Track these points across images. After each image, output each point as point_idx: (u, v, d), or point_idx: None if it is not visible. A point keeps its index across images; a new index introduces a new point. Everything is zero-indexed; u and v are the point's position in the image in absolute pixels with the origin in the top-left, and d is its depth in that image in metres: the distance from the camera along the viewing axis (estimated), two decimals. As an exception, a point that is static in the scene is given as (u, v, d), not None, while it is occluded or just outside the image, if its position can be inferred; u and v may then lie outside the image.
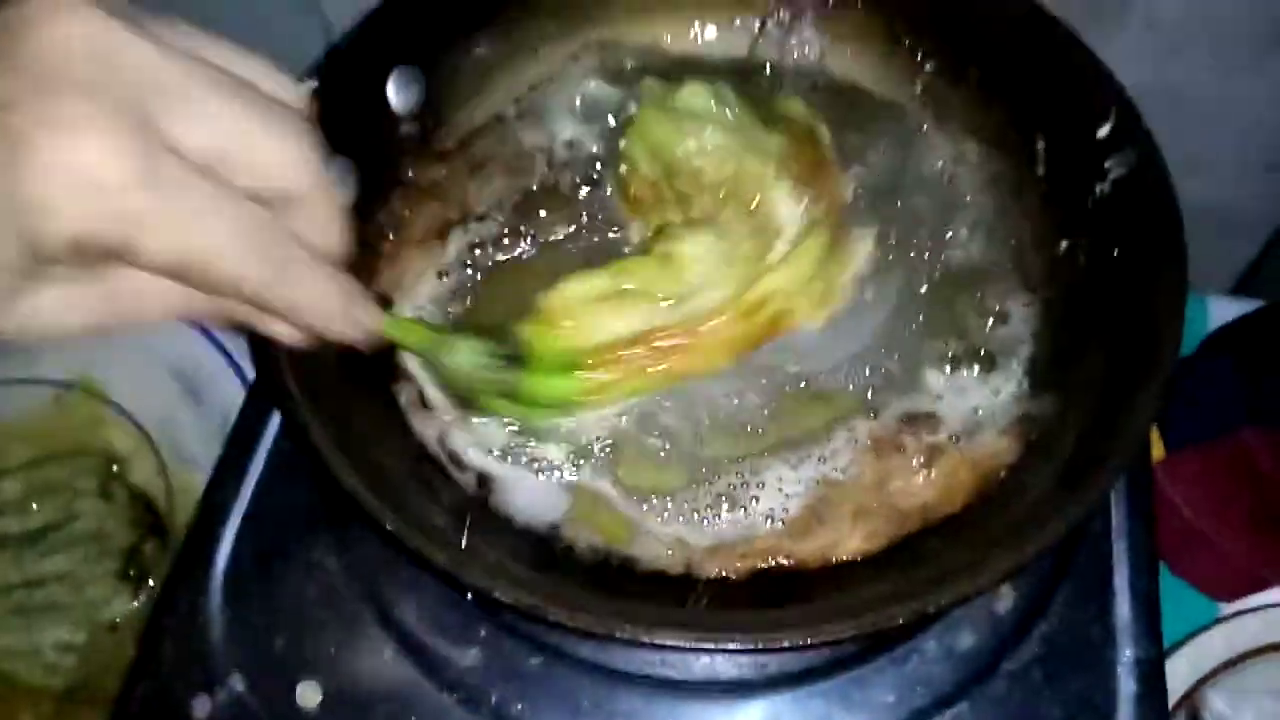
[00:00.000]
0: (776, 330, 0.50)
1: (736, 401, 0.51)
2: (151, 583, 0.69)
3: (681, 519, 0.48)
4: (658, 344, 0.47)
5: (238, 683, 0.50)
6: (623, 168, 0.54)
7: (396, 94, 0.54)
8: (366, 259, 0.53)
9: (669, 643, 0.37)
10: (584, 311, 0.47)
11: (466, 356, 0.45)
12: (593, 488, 0.49)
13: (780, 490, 0.48)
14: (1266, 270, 1.02)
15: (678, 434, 0.50)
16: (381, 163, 0.55)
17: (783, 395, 0.51)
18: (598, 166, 0.57)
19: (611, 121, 0.57)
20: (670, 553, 0.46)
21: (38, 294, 0.30)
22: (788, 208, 0.50)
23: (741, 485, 0.48)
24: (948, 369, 0.51)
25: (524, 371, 0.46)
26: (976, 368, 0.51)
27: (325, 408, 0.44)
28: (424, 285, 0.54)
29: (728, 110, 0.52)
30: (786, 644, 0.38)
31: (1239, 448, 0.68)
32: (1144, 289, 0.47)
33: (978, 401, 0.51)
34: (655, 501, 0.48)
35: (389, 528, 0.40)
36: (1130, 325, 0.47)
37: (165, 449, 0.73)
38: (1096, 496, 0.41)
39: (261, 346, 0.44)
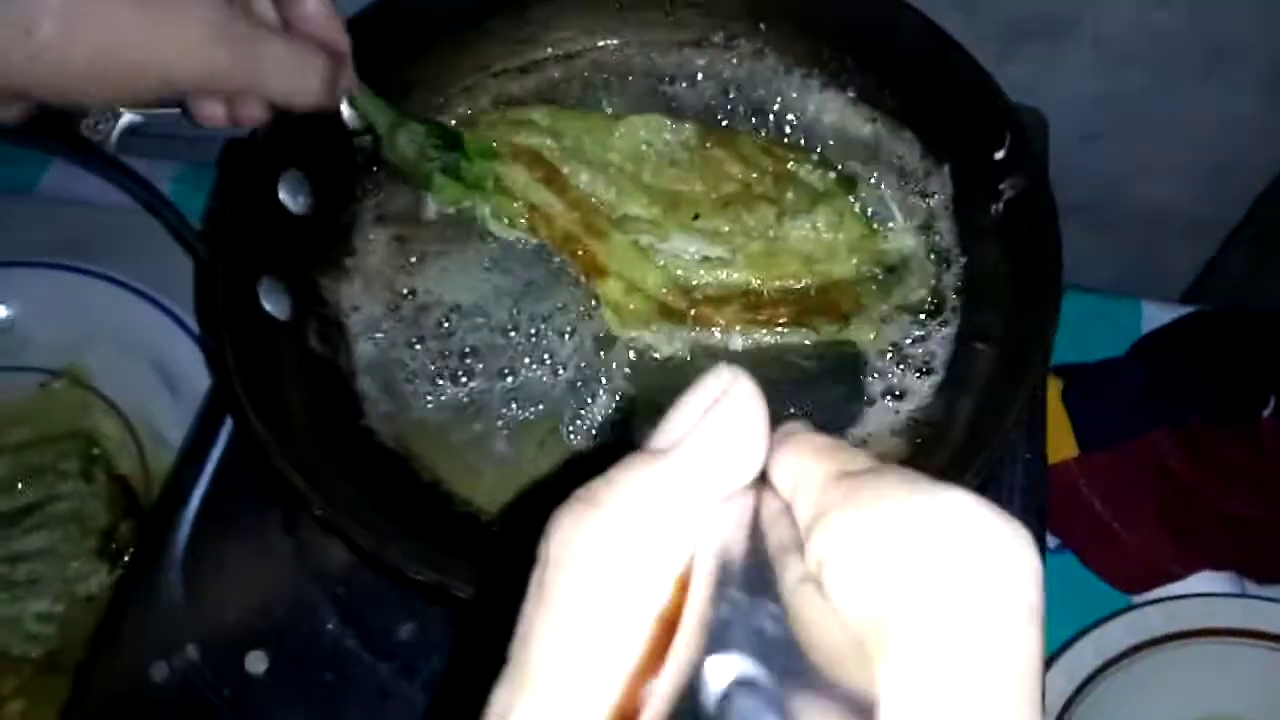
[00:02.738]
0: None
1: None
2: (127, 560, 0.74)
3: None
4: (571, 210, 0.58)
5: (192, 651, 0.55)
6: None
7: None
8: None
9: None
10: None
11: (415, 136, 0.57)
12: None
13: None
14: (1214, 278, 1.06)
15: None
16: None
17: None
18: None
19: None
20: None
21: None
22: None
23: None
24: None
25: (459, 155, 0.59)
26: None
27: (266, 399, 0.48)
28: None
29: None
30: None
31: (1150, 447, 0.72)
32: (1024, 303, 0.51)
33: (884, 413, 0.55)
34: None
35: (319, 513, 0.44)
36: (1009, 337, 0.51)
37: (144, 434, 0.78)
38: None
39: (218, 352, 0.49)
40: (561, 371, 0.56)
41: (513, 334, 0.57)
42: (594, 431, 0.54)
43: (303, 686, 0.54)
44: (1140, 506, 0.71)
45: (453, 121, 0.62)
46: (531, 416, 0.55)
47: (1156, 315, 0.83)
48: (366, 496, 0.49)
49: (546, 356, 0.56)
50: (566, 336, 0.57)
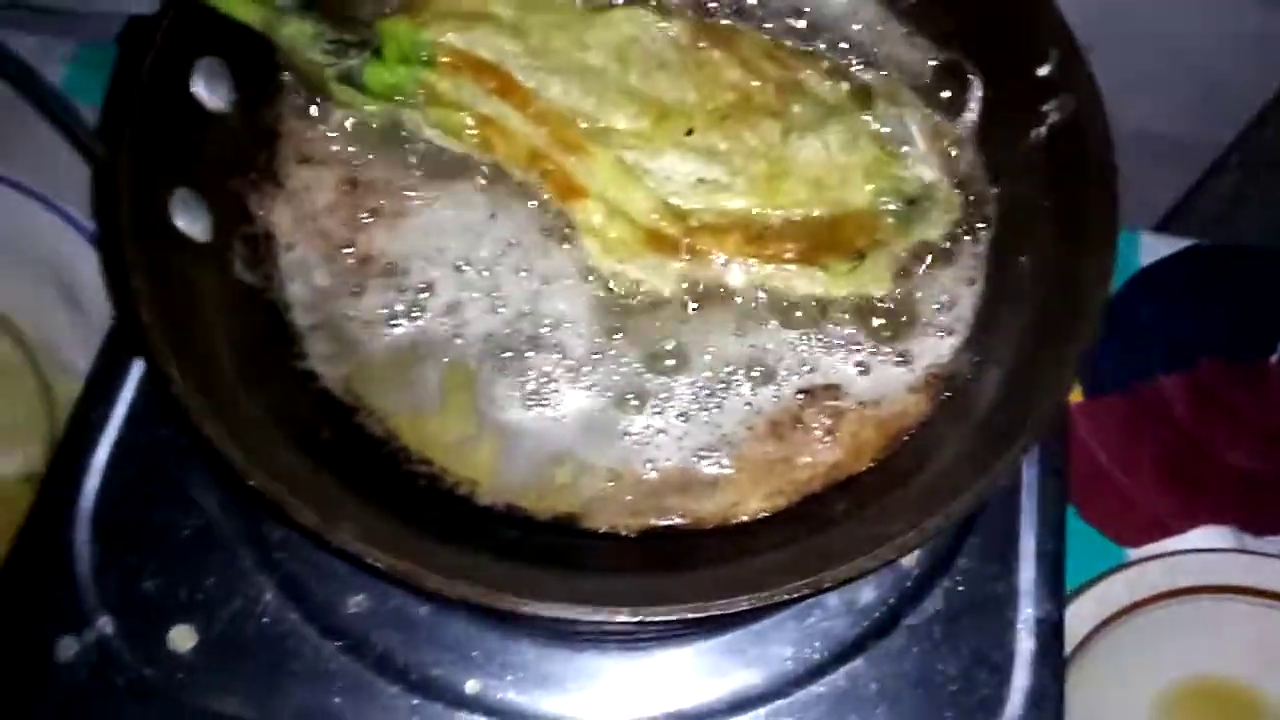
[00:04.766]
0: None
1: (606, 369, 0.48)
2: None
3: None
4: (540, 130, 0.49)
5: (106, 624, 0.48)
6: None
7: None
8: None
9: (546, 614, 0.35)
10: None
11: (299, 35, 0.48)
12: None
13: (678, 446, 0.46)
14: (1195, 205, 1.01)
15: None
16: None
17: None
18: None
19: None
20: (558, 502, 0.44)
21: None
22: None
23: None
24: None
25: (367, 57, 0.49)
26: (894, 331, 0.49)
27: (188, 347, 0.40)
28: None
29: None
30: (667, 619, 0.36)
31: (1156, 395, 0.68)
32: (1073, 246, 0.44)
33: (889, 367, 0.48)
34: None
35: (253, 484, 0.37)
36: (1057, 283, 0.45)
37: (42, 358, 0.69)
38: (1007, 470, 0.39)
39: (122, 283, 0.40)
40: (526, 310, 0.48)
41: (468, 270, 0.49)
42: (566, 376, 0.47)
43: (236, 666, 0.48)
44: (1142, 456, 0.67)
45: (389, 9, 0.52)
46: (498, 358, 0.47)
47: (1154, 247, 0.79)
48: (308, 458, 0.41)
49: (507, 295, 0.48)
50: (528, 273, 0.49)
